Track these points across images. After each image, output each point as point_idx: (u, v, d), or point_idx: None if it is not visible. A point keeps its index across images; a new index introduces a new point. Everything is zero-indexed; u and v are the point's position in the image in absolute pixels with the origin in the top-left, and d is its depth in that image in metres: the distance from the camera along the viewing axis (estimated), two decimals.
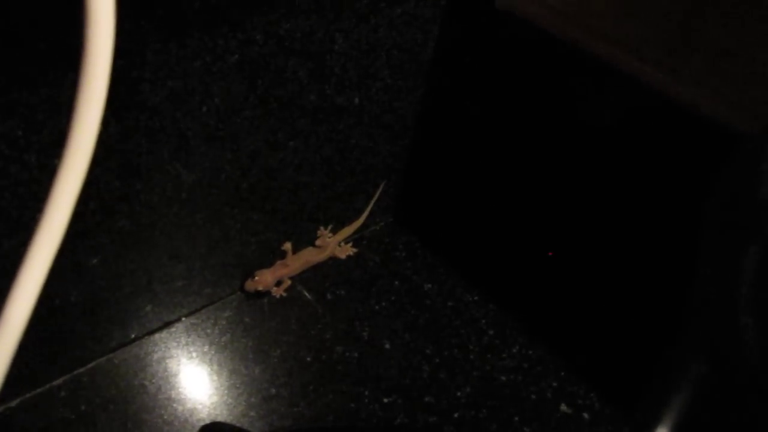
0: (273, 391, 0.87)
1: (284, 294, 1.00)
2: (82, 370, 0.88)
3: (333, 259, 1.04)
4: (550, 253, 0.95)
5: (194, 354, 0.91)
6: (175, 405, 0.85)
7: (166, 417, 0.83)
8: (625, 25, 0.75)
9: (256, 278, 0.97)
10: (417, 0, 0.86)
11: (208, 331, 0.94)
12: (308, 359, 0.91)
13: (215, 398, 0.86)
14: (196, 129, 0.77)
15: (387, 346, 0.93)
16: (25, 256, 0.40)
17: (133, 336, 0.92)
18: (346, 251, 1.05)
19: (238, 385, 0.87)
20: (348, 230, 1.05)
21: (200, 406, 0.85)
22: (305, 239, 1.03)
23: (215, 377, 0.88)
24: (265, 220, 0.94)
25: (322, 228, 1.03)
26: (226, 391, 0.87)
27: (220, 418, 0.84)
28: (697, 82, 0.69)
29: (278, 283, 1.00)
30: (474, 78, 0.94)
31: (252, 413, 0.84)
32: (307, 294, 1.00)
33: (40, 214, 0.41)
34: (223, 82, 0.76)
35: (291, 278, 1.01)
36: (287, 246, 1.00)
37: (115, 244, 0.80)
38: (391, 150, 1.01)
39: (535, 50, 0.84)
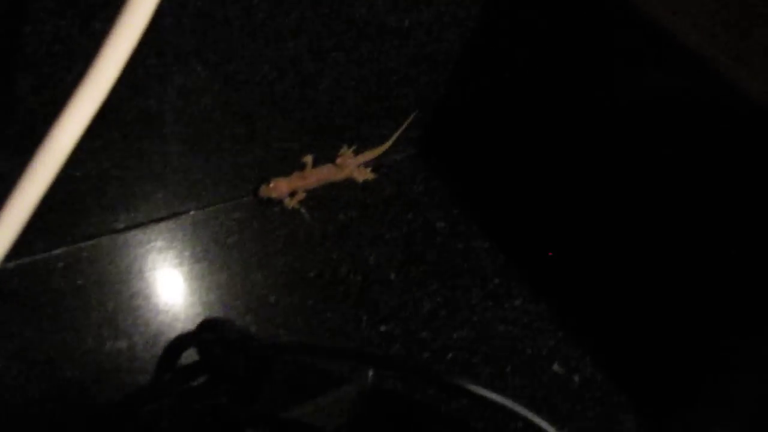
0: (272, 299, 0.86)
1: (297, 206, 0.98)
2: (83, 244, 0.87)
3: (350, 181, 1.02)
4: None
5: (198, 249, 0.90)
6: (171, 295, 0.84)
7: (161, 306, 0.83)
8: None
9: (272, 185, 0.95)
10: None
11: (216, 229, 0.93)
12: (311, 275, 0.90)
13: (212, 296, 0.85)
14: (243, 19, 0.74)
15: (392, 276, 0.92)
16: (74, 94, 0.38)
17: (139, 220, 0.90)
18: (365, 175, 1.03)
19: (238, 287, 0.87)
20: (371, 154, 1.03)
21: (196, 302, 0.84)
22: (327, 156, 1.01)
23: (215, 275, 0.87)
24: (291, 127, 0.92)
25: (345, 147, 1.01)
26: (224, 291, 0.86)
27: (215, 316, 0.83)
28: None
29: (293, 194, 0.98)
30: (527, 26, 0.90)
31: (248, 317, 0.84)
32: (305, 213, 0.98)
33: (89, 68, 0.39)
34: None
35: (306, 191, 0.99)
36: (308, 159, 0.98)
37: (138, 123, 0.77)
38: (429, 81, 0.99)
39: (594, 8, 0.81)
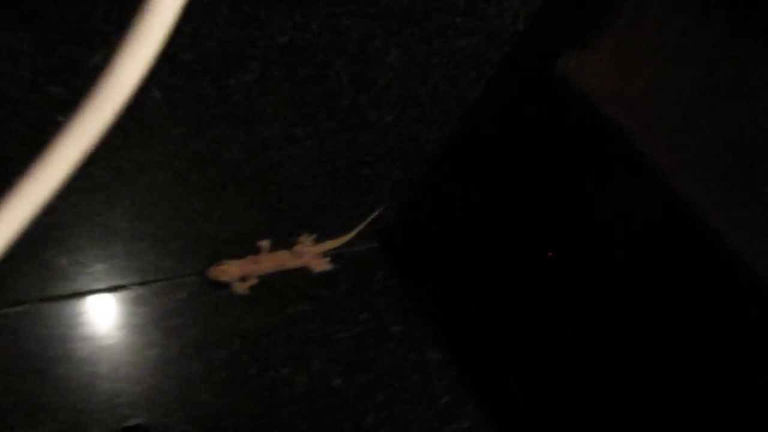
0: (206, 395, 0.79)
1: (247, 292, 0.92)
2: (8, 310, 0.79)
3: (305, 271, 0.97)
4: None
5: (134, 329, 0.82)
6: (96, 376, 0.76)
7: (83, 386, 0.75)
8: (687, 138, 0.70)
9: (223, 267, 0.89)
10: (487, 38, 0.79)
11: (156, 308, 0.86)
12: (252, 372, 0.84)
13: (142, 386, 0.78)
14: (217, 99, 0.69)
15: (337, 382, 0.86)
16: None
17: (74, 290, 0.83)
18: (322, 266, 0.98)
19: (172, 378, 0.79)
20: (331, 244, 0.98)
21: (123, 391, 0.77)
22: (285, 242, 0.95)
23: (149, 362, 0.80)
24: (252, 210, 0.87)
25: (305, 234, 0.96)
26: (157, 381, 0.78)
27: (140, 408, 0.76)
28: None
29: (244, 279, 0.92)
30: (507, 132, 0.88)
31: (177, 414, 0.76)
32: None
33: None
34: (262, 60, 0.68)
35: (259, 277, 0.93)
36: (264, 243, 0.92)
37: (89, 189, 0.71)
38: (401, 178, 0.94)
39: (579, 126, 0.78)
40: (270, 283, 0.93)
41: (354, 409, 0.84)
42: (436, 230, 1.01)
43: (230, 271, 0.89)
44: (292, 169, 0.84)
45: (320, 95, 0.76)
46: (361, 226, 0.99)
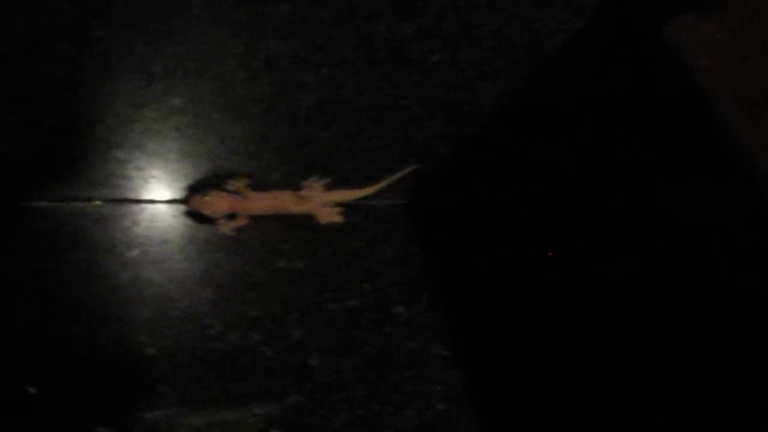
0: (151, 350, 0.65)
1: (232, 233, 0.77)
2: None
3: (308, 219, 0.81)
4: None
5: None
6: None
7: None
8: None
9: (207, 198, 0.74)
10: None
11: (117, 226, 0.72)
12: (211, 332, 0.70)
13: None
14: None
15: (314, 361, 0.71)
16: None
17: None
18: (331, 216, 0.81)
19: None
20: (345, 194, 0.82)
21: None
22: (290, 182, 0.79)
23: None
24: (266, 131, 0.71)
25: (314, 178, 0.79)
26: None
27: None
28: None
29: (231, 216, 0.77)
30: (587, 96, 0.69)
31: None
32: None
33: None
34: None
35: (250, 217, 0.78)
36: (243, 181, 0.76)
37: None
38: (443, 132, 0.76)
39: (678, 106, 0.59)
40: (262, 227, 0.78)
41: (327, 399, 0.69)
42: (477, 201, 0.83)
43: (215, 203, 0.74)
44: (305, 98, 0.67)
45: (349, 14, 0.58)
46: (384, 183, 0.82)
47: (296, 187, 0.79)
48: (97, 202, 0.76)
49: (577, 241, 0.71)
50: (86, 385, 0.64)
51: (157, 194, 0.79)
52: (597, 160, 0.70)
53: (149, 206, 0.78)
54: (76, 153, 0.70)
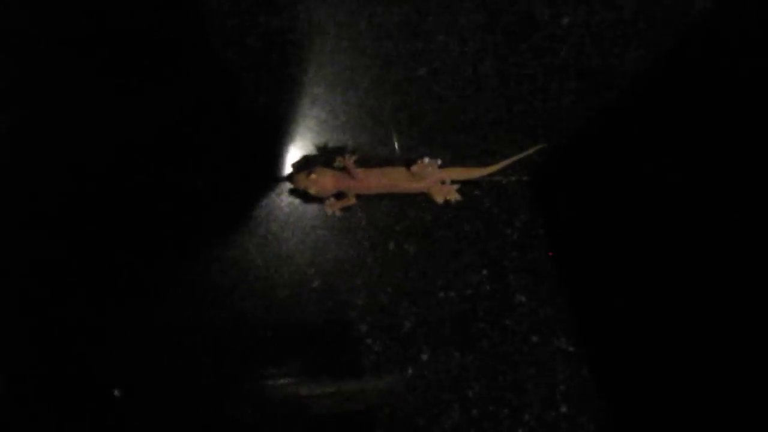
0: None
1: (339, 213, 0.72)
2: None
3: (423, 198, 0.74)
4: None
5: None
6: None
7: None
8: None
9: (313, 176, 0.69)
10: None
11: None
12: (316, 322, 0.65)
13: None
14: None
15: (425, 356, 0.65)
16: None
17: None
18: (448, 194, 0.75)
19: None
20: (462, 172, 0.75)
21: None
22: (403, 157, 0.73)
23: None
24: (375, 103, 0.66)
25: (429, 153, 0.73)
26: None
27: None
28: None
29: (339, 195, 0.71)
30: (739, 81, 0.58)
31: None
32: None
33: None
34: None
35: (359, 196, 0.72)
36: (348, 157, 0.70)
37: None
38: (572, 105, 0.68)
39: None
40: (372, 207, 0.72)
41: (436, 398, 0.63)
42: (609, 180, 0.74)
43: (321, 181, 0.69)
44: (417, 69, 0.61)
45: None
46: (506, 162, 0.74)
47: (409, 164, 0.72)
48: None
49: (722, 227, 0.61)
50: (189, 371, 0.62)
51: (261, 172, 0.75)
52: (747, 145, 0.59)
53: (253, 185, 0.75)
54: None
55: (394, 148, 0.71)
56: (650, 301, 0.67)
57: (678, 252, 0.66)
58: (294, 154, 0.72)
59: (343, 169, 0.71)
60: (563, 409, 0.66)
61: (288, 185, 0.74)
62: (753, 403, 0.55)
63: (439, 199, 0.74)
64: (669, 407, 0.64)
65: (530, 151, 0.73)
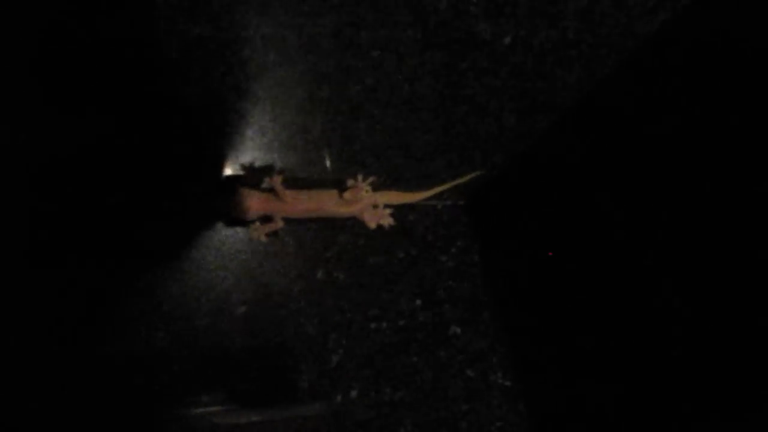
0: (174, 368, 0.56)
1: (265, 238, 0.67)
2: None
3: (354, 223, 0.70)
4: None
5: None
6: None
7: None
8: None
9: (237, 198, 0.64)
10: None
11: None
12: (236, 356, 0.60)
13: None
14: None
15: (354, 393, 0.61)
16: None
17: None
18: (381, 218, 0.71)
19: None
20: (396, 197, 0.71)
21: None
22: (334, 179, 0.69)
23: None
24: (305, 121, 0.61)
25: (359, 177, 0.69)
26: None
27: None
28: None
29: (266, 219, 0.67)
30: (682, 88, 0.56)
31: None
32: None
33: None
34: None
35: (286, 220, 0.67)
36: (276, 178, 0.66)
37: None
38: (512, 127, 0.65)
39: None
40: (300, 231, 0.68)
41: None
42: (547, 204, 0.71)
43: (246, 204, 0.64)
44: (350, 86, 0.57)
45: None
46: (440, 188, 0.71)
47: (340, 187, 0.68)
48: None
49: (660, 253, 0.59)
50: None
51: (180, 193, 0.69)
52: (687, 165, 0.57)
53: (172, 206, 0.69)
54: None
55: (325, 166, 0.67)
56: (590, 334, 0.64)
57: (618, 282, 0.63)
58: (217, 173, 0.67)
59: (271, 191, 0.66)
60: None
61: (210, 207, 0.69)
62: None
63: (372, 224, 0.70)
64: None
65: (468, 177, 0.70)
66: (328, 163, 0.67)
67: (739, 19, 0.52)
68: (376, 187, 0.70)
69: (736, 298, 0.50)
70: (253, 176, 0.66)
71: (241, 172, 0.66)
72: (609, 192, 0.65)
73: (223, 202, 0.64)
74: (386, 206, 0.71)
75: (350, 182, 0.68)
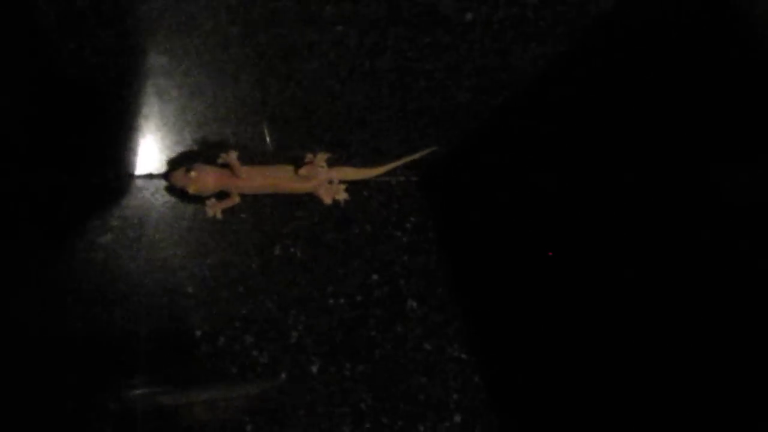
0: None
1: (220, 215, 0.66)
2: None
3: (310, 199, 0.70)
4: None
5: None
6: None
7: None
8: None
9: (192, 173, 0.63)
10: None
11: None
12: (197, 334, 0.59)
13: None
14: None
15: (314, 367, 0.61)
16: None
17: None
18: (335, 194, 0.71)
19: None
20: (352, 173, 0.71)
21: None
22: (290, 155, 0.68)
23: None
24: (263, 96, 0.60)
25: (316, 153, 0.68)
26: None
27: None
28: None
29: (221, 195, 0.66)
30: (647, 67, 0.58)
31: None
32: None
33: None
34: None
35: (243, 195, 0.67)
36: (231, 154, 0.65)
37: None
38: (468, 103, 0.65)
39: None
40: (256, 207, 0.67)
41: (327, 411, 0.59)
42: (502, 179, 0.72)
43: (202, 179, 0.63)
44: (310, 61, 0.56)
45: None
46: (397, 163, 0.71)
47: (296, 162, 0.68)
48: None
49: (613, 230, 0.61)
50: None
51: (133, 168, 0.68)
52: (642, 142, 0.59)
53: (125, 183, 0.68)
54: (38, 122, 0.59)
55: (266, 142, 0.66)
56: (544, 306, 0.66)
57: (571, 255, 0.65)
58: (171, 149, 0.66)
59: (226, 167, 0.65)
60: (457, 418, 0.64)
61: (164, 183, 0.67)
62: (647, 411, 0.55)
63: (327, 200, 0.70)
64: (561, 415, 0.63)
65: (422, 152, 0.70)
66: (268, 137, 0.66)
67: None
68: (331, 163, 0.69)
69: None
70: (208, 152, 0.65)
71: (195, 148, 0.65)
72: (561, 169, 0.67)
73: (179, 177, 0.63)
74: (341, 182, 0.71)
75: (308, 157, 0.68)
